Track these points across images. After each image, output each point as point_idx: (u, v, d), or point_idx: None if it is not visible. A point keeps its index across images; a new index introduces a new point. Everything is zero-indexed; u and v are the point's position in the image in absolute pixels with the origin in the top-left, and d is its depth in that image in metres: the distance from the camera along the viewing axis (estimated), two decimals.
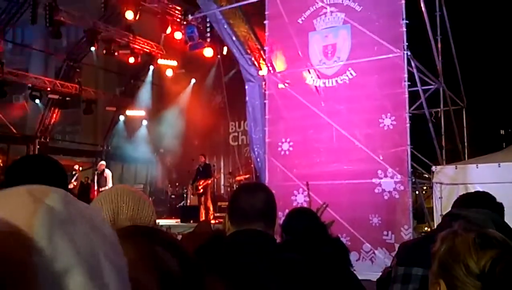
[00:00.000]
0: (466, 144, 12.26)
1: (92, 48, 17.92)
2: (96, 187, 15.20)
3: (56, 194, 0.59)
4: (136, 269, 0.78)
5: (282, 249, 2.60)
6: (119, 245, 0.65)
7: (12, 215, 0.55)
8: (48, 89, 18.05)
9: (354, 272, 3.10)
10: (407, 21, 8.97)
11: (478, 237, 1.40)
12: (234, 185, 15.78)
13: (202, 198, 14.50)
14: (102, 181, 14.90)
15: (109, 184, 14.95)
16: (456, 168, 8.94)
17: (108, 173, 15.10)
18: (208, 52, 15.56)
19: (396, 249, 8.31)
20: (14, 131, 19.25)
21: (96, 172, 15.59)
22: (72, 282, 0.53)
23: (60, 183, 1.94)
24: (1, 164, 16.56)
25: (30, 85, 17.98)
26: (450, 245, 1.44)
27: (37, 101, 18.33)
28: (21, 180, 1.84)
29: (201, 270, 0.92)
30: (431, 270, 1.49)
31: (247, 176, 15.90)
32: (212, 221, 12.66)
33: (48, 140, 19.47)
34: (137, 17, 15.52)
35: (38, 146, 18.76)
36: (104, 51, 17.56)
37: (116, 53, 17.58)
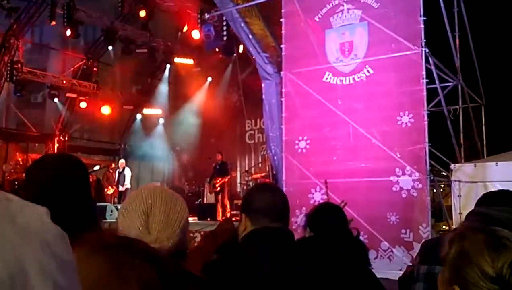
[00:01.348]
0: (485, 141, 12.13)
1: (110, 47, 18.07)
2: (115, 185, 15.38)
3: None
4: (112, 282, 0.75)
5: (302, 246, 2.60)
6: (64, 247, 0.56)
7: None
8: (66, 88, 18.25)
9: (372, 270, 3.09)
10: (425, 18, 8.90)
11: (489, 237, 1.36)
12: (251, 183, 15.78)
13: (219, 196, 14.54)
14: (121, 179, 15.10)
15: (127, 182, 15.08)
16: (475, 166, 8.86)
17: (127, 171, 15.27)
18: (224, 50, 15.58)
19: (414, 247, 8.30)
20: (33, 129, 19.49)
21: (117, 170, 15.73)
22: None
23: (82, 181, 1.95)
24: (21, 162, 16.78)
25: (48, 84, 18.19)
26: (459, 248, 1.39)
27: (56, 100, 18.52)
28: (43, 179, 1.87)
29: (183, 283, 0.89)
30: (443, 276, 1.44)
31: (263, 174, 15.89)
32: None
33: (66, 138, 19.68)
34: (151, 16, 15.65)
35: (57, 145, 18.96)
36: (121, 50, 17.68)
37: (133, 52, 17.71)
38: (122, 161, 15.98)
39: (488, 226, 1.46)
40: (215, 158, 14.94)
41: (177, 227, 1.59)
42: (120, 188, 15.23)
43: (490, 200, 2.31)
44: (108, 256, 0.78)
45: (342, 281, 2.05)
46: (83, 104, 18.72)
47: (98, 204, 12.95)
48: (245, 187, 16.44)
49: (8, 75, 16.24)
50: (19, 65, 16.43)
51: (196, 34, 15.74)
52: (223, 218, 12.73)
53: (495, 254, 1.32)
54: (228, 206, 14.47)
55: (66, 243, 0.57)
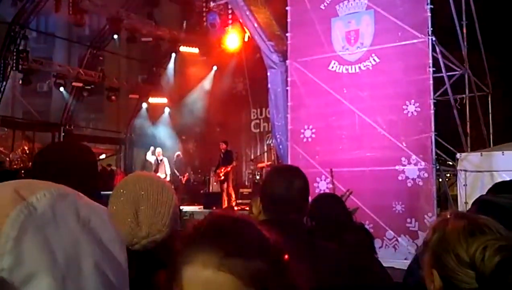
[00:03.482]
0: (491, 130, 12.07)
1: (115, 36, 18.04)
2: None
3: (45, 192, 0.56)
4: None
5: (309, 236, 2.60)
6: (119, 249, 0.60)
7: None
8: (72, 77, 18.26)
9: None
10: (432, 6, 8.83)
11: (468, 224, 1.36)
12: (256, 172, 15.82)
13: (224, 185, 14.55)
14: (161, 168, 14.89)
15: (167, 170, 14.89)
16: (481, 155, 8.82)
17: (165, 160, 15.08)
18: (229, 39, 15.52)
19: (419, 236, 8.29)
20: (39, 118, 19.56)
21: (154, 159, 15.49)
22: (38, 287, 0.51)
23: (90, 169, 1.94)
24: (27, 151, 16.84)
25: (54, 73, 18.20)
26: (441, 234, 1.40)
27: (62, 89, 18.55)
28: (51, 165, 1.86)
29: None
30: (424, 260, 1.45)
31: (268, 163, 15.91)
32: (235, 208, 12.74)
33: (72, 127, 19.73)
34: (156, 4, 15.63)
35: (63, 133, 19.02)
36: (127, 39, 17.66)
37: (138, 41, 17.68)
38: (159, 150, 15.47)
39: (475, 214, 1.46)
40: (220, 148, 14.93)
41: (167, 218, 1.58)
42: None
43: (501, 188, 2.30)
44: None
45: (350, 270, 2.04)
46: (88, 93, 18.71)
47: (104, 193, 12.97)
48: (251, 176, 16.48)
49: (14, 64, 16.25)
50: (24, 54, 16.43)
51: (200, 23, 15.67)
52: (225, 206, 12.78)
53: (471, 239, 1.32)
54: (233, 195, 14.48)
55: (122, 247, 0.61)
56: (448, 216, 1.46)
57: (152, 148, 15.90)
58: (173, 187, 1.79)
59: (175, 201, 1.67)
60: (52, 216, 0.54)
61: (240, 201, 14.43)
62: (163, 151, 16.05)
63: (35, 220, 0.53)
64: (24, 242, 0.51)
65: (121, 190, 1.66)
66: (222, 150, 14.73)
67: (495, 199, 2.05)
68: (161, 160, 15.08)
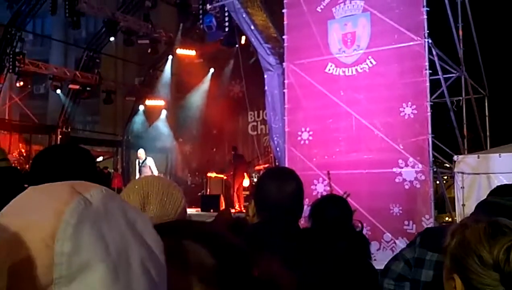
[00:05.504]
0: (488, 133, 12.09)
1: (112, 39, 18.03)
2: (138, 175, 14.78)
3: (98, 190, 0.61)
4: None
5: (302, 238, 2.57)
6: (160, 253, 0.65)
7: (48, 202, 0.58)
8: (69, 79, 18.23)
9: (375, 261, 3.05)
10: (428, 9, 8.85)
11: (489, 226, 1.35)
12: (253, 174, 15.82)
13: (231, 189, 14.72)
14: (145, 170, 14.34)
15: (153, 170, 14.48)
16: (478, 158, 8.82)
17: (150, 161, 14.63)
18: (226, 41, 15.52)
19: None
20: (36, 121, 19.51)
21: (137, 161, 15.06)
22: (91, 276, 0.55)
23: (90, 172, 1.92)
24: (24, 154, 16.81)
25: (51, 75, 18.16)
26: (460, 238, 1.39)
27: (58, 91, 18.51)
28: (50, 168, 1.84)
29: (244, 257, 0.86)
30: (444, 266, 1.45)
31: (266, 165, 15.92)
32: (233, 210, 12.74)
33: (69, 130, 19.68)
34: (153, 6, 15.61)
35: (60, 136, 18.98)
36: (123, 42, 17.65)
37: (135, 44, 17.67)
38: (140, 151, 14.93)
39: (492, 217, 1.45)
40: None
41: (173, 217, 1.59)
42: None
43: (504, 191, 2.30)
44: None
45: (342, 276, 2.03)
46: (85, 96, 18.69)
47: None
48: (249, 179, 16.49)
49: (11, 67, 16.23)
50: (21, 56, 16.40)
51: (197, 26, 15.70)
52: (221, 209, 12.79)
53: (493, 241, 1.31)
54: (237, 200, 14.53)
55: (162, 251, 0.66)
56: (466, 221, 1.45)
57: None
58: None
59: (184, 202, 1.69)
60: (104, 212, 0.60)
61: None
62: (159, 153, 15.99)
63: (90, 213, 0.58)
64: (81, 231, 0.56)
65: (131, 189, 1.69)
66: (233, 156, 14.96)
67: (501, 201, 2.05)
68: (144, 161, 14.71)
